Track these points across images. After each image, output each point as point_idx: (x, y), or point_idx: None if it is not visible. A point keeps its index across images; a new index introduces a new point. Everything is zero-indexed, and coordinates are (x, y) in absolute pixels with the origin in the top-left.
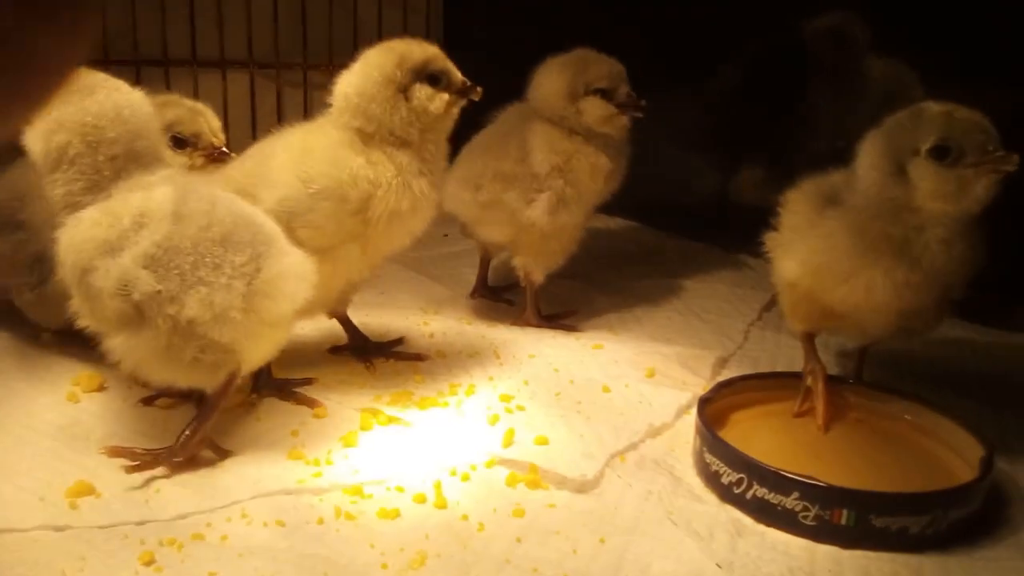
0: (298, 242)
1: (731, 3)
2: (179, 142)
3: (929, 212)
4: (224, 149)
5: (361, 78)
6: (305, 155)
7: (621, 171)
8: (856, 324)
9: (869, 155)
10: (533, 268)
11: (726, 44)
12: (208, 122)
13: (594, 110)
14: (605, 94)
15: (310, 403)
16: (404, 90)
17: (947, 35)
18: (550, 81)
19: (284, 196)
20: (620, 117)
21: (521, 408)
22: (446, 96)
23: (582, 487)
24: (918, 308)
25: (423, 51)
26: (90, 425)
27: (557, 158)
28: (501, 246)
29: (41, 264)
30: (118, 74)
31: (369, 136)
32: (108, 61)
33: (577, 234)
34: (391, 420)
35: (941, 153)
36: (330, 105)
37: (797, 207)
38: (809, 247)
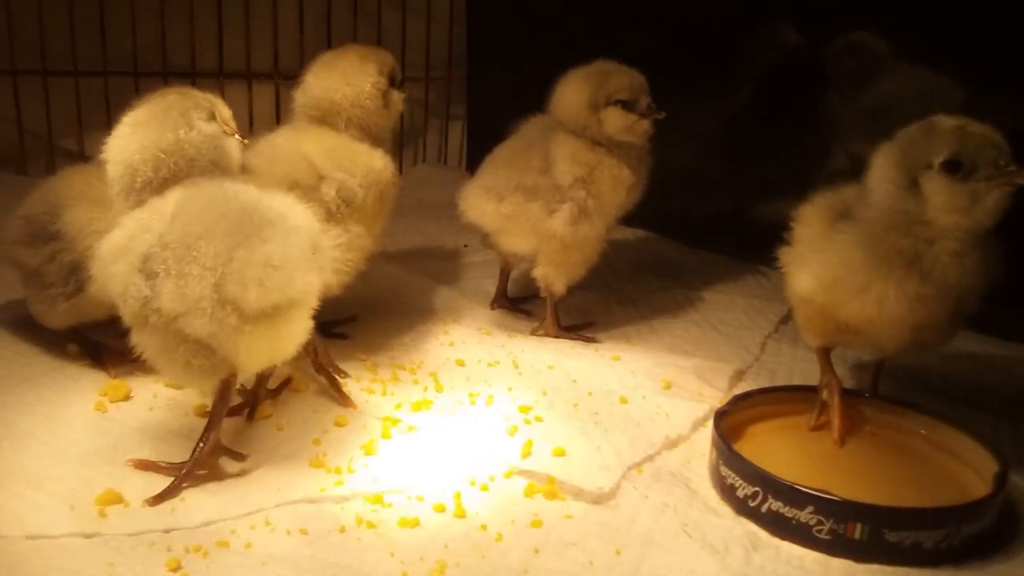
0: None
1: (750, 17)
2: None
3: (941, 225)
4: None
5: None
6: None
7: (643, 182)
8: (870, 338)
9: (882, 168)
10: (554, 279)
11: (745, 56)
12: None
13: (615, 120)
14: (626, 105)
15: (343, 401)
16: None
17: (961, 47)
18: (572, 93)
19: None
20: (641, 123)
21: (539, 419)
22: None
23: (599, 499)
24: (931, 322)
25: (390, 59)
26: (117, 434)
27: (580, 170)
28: (523, 257)
29: (76, 274)
30: (147, 86)
31: (366, 134)
32: (137, 73)
33: (599, 246)
34: (411, 429)
35: (954, 167)
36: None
37: (810, 221)
38: (822, 261)
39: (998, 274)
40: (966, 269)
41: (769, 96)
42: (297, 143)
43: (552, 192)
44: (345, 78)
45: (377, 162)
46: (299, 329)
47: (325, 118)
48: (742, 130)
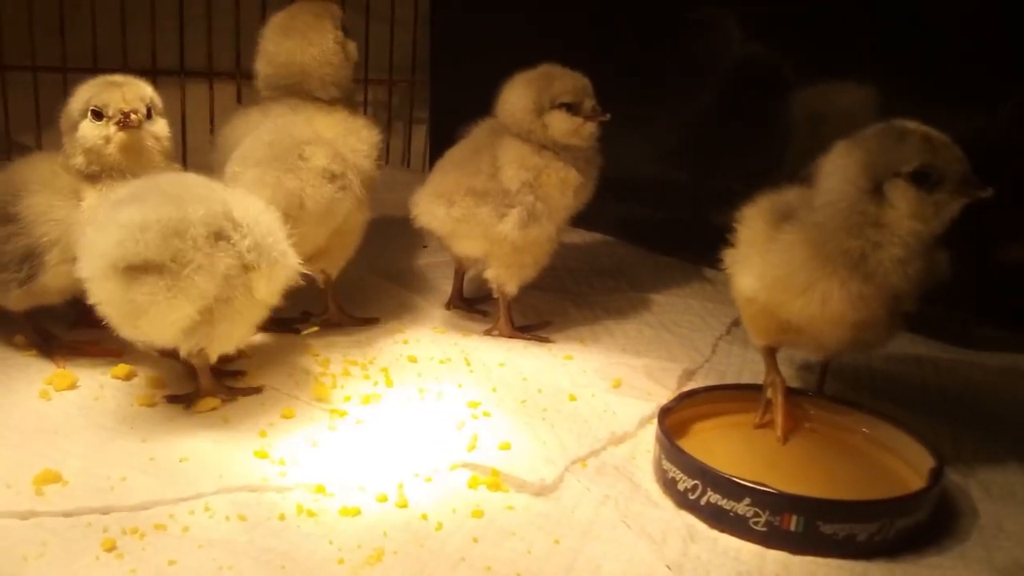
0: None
1: (711, 23)
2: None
3: (897, 230)
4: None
5: None
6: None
7: (592, 184)
8: (813, 337)
9: (843, 169)
10: (506, 280)
11: (704, 61)
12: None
13: (560, 124)
14: (570, 108)
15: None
16: None
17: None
18: (516, 97)
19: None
20: (587, 126)
21: (487, 414)
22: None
23: (541, 491)
24: (872, 320)
25: (337, 8)
26: (60, 420)
27: (527, 174)
28: (475, 260)
29: (30, 260)
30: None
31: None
32: (97, 70)
33: (550, 247)
34: (358, 422)
35: (922, 178)
36: None
37: (752, 222)
38: (765, 261)
39: (942, 278)
40: (907, 275)
41: (725, 101)
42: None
43: (501, 196)
44: (307, 38)
45: (374, 133)
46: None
47: (297, 86)
48: (699, 135)
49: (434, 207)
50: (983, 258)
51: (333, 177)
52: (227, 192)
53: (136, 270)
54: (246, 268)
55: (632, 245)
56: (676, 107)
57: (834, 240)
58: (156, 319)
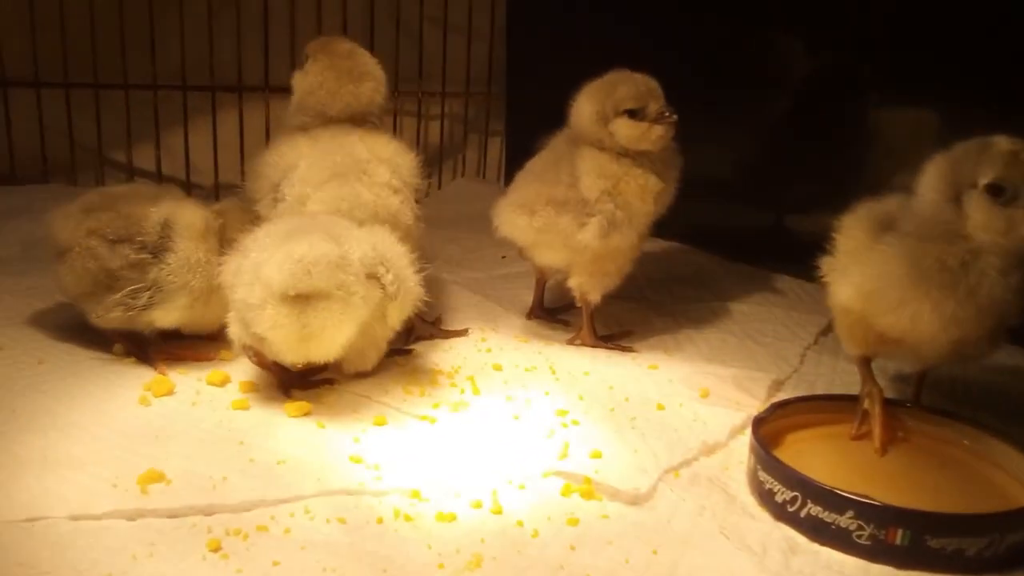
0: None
1: (783, 31)
2: None
3: (978, 242)
4: None
5: None
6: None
7: (672, 188)
8: (910, 349)
9: (931, 177)
10: (589, 289)
11: (785, 67)
12: None
13: (625, 130)
14: (633, 114)
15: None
16: None
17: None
18: (582, 107)
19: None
20: (653, 129)
21: (576, 423)
22: None
23: (635, 500)
24: (969, 338)
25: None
26: (160, 425)
27: (605, 182)
28: (557, 269)
29: (156, 294)
30: (195, 100)
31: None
32: (186, 87)
33: (633, 255)
34: (449, 429)
35: (996, 191)
36: None
37: (852, 231)
38: (863, 272)
39: None
40: (1009, 286)
41: (807, 107)
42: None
43: (581, 205)
44: (363, 77)
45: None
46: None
47: (352, 116)
48: (780, 141)
49: (515, 217)
50: None
51: (395, 190)
52: (368, 231)
53: (306, 298)
54: (387, 298)
55: (709, 253)
56: (756, 112)
57: (930, 254)
58: (326, 340)
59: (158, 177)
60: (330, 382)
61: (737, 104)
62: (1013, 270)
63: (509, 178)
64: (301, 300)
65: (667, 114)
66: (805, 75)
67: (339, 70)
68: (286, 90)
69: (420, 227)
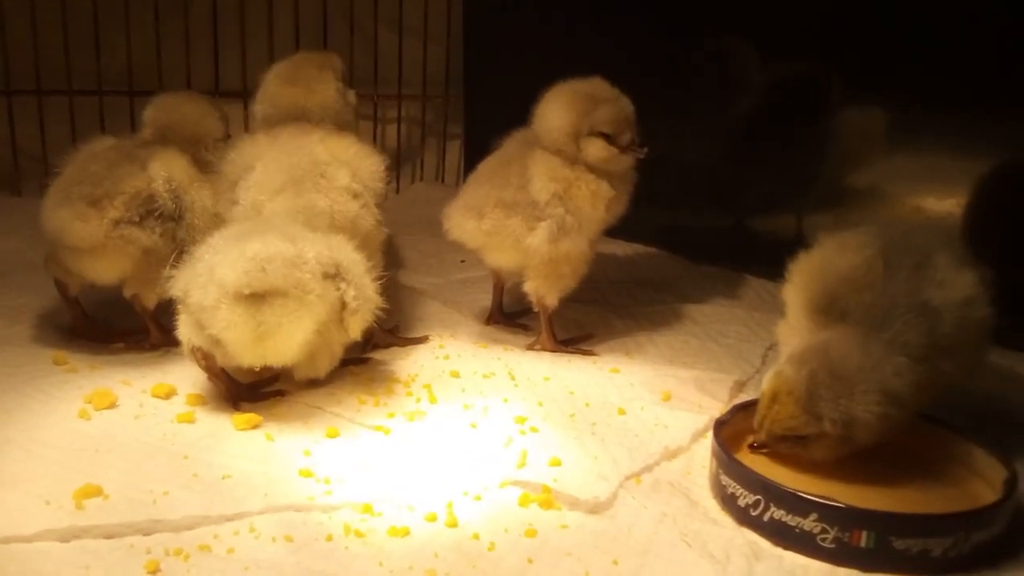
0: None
1: (742, 34)
2: None
3: None
4: None
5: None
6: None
7: (626, 198)
8: None
9: None
10: (545, 293)
11: (738, 70)
12: None
13: (596, 152)
14: (608, 138)
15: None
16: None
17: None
18: (555, 115)
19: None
20: (622, 158)
21: (535, 430)
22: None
23: (595, 508)
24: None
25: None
26: (100, 439)
27: (557, 185)
28: (510, 272)
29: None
30: (143, 106)
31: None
32: (133, 92)
33: (586, 258)
34: (404, 440)
35: None
36: None
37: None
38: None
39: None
40: None
41: (767, 108)
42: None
43: (531, 208)
44: (309, 88)
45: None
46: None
47: (300, 118)
48: (740, 142)
49: (464, 220)
50: None
51: (355, 195)
52: (324, 238)
53: (261, 297)
54: (347, 309)
55: (672, 255)
56: (715, 114)
57: None
58: (281, 340)
59: None
60: (281, 394)
61: (696, 105)
62: None
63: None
64: (256, 299)
65: (639, 146)
66: (764, 78)
67: (286, 76)
68: (237, 94)
69: (383, 232)
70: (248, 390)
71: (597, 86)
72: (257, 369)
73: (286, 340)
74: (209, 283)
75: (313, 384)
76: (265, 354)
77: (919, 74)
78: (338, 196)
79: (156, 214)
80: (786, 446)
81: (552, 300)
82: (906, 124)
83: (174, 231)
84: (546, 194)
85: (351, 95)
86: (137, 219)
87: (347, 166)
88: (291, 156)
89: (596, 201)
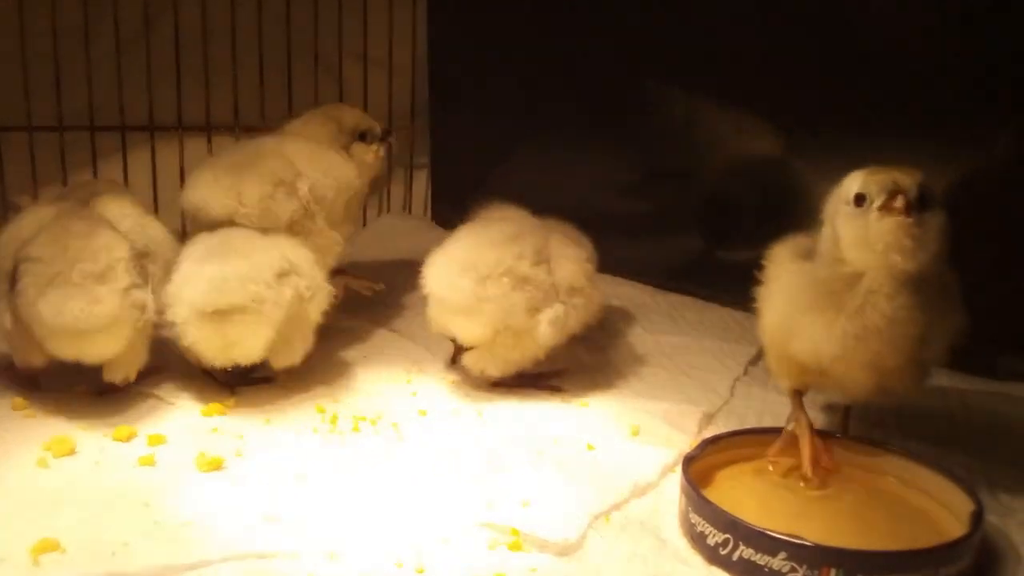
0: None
1: (706, 65)
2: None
3: (852, 262)
4: None
5: None
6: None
7: None
8: (835, 381)
9: (826, 208)
10: (489, 368)
11: (701, 99)
12: None
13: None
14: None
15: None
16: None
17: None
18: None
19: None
20: None
21: (504, 469)
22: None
23: (564, 550)
24: (886, 368)
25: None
26: (58, 488)
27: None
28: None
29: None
30: (104, 141)
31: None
32: (94, 128)
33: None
34: (371, 482)
35: (858, 200)
36: None
37: (777, 259)
38: (779, 298)
39: (956, 318)
40: (901, 307)
41: (734, 135)
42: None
43: (542, 287)
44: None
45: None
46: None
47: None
48: (708, 170)
49: (460, 277)
50: (1007, 285)
51: (280, 182)
52: (280, 240)
53: (224, 313)
54: (303, 300)
55: (640, 284)
56: (678, 143)
57: (821, 278)
58: (247, 347)
59: None
60: (268, 380)
61: (669, 132)
62: (901, 291)
63: (436, 212)
64: (219, 315)
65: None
66: (730, 105)
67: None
68: (200, 129)
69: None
70: (239, 377)
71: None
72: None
73: (251, 346)
74: (178, 303)
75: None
76: (235, 358)
77: (892, 107)
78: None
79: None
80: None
81: (496, 374)
82: (881, 155)
83: (145, 266)
84: (572, 281)
85: (361, 151)
86: (140, 281)
87: (282, 157)
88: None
89: (597, 310)
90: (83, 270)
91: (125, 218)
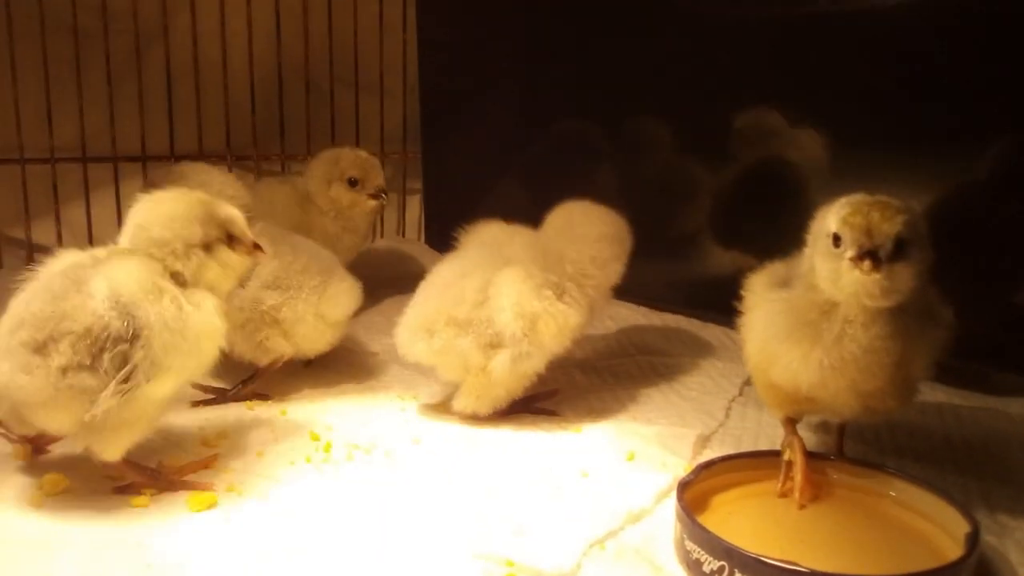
0: None
1: (705, 88)
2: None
3: (827, 292)
4: None
5: None
6: None
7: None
8: (821, 406)
9: (809, 233)
10: (477, 408)
11: (694, 122)
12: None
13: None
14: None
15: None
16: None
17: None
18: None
19: None
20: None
21: (498, 497)
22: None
23: None
24: (869, 391)
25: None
26: (50, 532)
27: (524, 323)
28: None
29: None
30: (96, 172)
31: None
32: (86, 159)
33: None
34: (364, 511)
35: (835, 241)
36: None
37: (755, 288)
38: (758, 327)
39: (938, 334)
40: (877, 336)
41: (728, 155)
42: None
43: (487, 328)
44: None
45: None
46: None
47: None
48: (698, 189)
49: (415, 340)
50: (1002, 302)
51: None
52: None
53: None
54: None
55: (634, 304)
56: (668, 163)
57: (799, 306)
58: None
59: None
60: (265, 397)
61: (662, 152)
62: (876, 321)
63: (429, 236)
64: None
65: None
66: (725, 127)
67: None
68: (193, 158)
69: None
70: (232, 397)
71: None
72: None
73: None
74: None
75: (268, 452)
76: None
77: (891, 124)
78: None
79: (109, 347)
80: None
81: (484, 412)
82: (873, 174)
83: (126, 354)
84: (510, 331)
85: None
86: (88, 361)
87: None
88: None
89: (561, 335)
90: (22, 336)
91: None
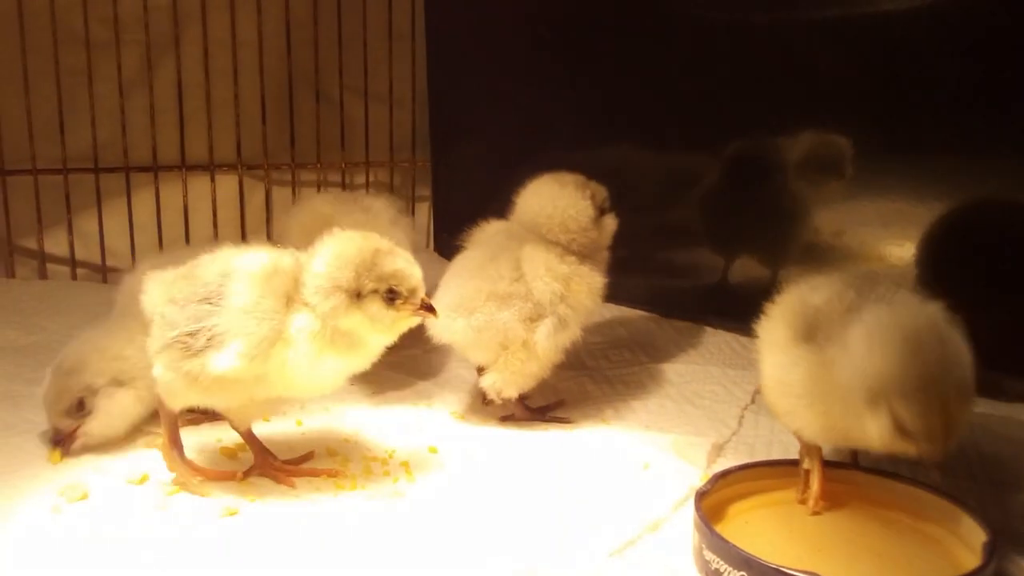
0: None
1: (716, 90)
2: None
3: None
4: None
5: None
6: None
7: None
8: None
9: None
10: (505, 387)
11: (711, 127)
12: None
13: (612, 226)
14: (603, 211)
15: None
16: None
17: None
18: (567, 203)
19: None
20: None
21: (515, 508)
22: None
23: None
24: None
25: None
26: (68, 541)
27: (558, 285)
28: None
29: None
30: (108, 181)
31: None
32: (98, 169)
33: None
34: (381, 524)
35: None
36: None
37: (773, 329)
38: (770, 372)
39: None
40: None
41: (738, 163)
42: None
43: (525, 301)
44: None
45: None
46: None
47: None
48: (715, 199)
49: (452, 320)
50: (1014, 310)
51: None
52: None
53: None
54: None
55: (645, 312)
56: (686, 170)
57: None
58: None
59: (71, 264)
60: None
61: (665, 161)
62: None
63: (439, 243)
64: None
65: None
66: (738, 134)
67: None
68: (203, 167)
69: None
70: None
71: (566, 175)
72: None
73: None
74: None
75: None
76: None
77: (897, 132)
78: None
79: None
80: None
81: (513, 394)
82: (882, 184)
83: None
84: (549, 294)
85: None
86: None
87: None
88: None
89: (592, 294)
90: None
91: None
